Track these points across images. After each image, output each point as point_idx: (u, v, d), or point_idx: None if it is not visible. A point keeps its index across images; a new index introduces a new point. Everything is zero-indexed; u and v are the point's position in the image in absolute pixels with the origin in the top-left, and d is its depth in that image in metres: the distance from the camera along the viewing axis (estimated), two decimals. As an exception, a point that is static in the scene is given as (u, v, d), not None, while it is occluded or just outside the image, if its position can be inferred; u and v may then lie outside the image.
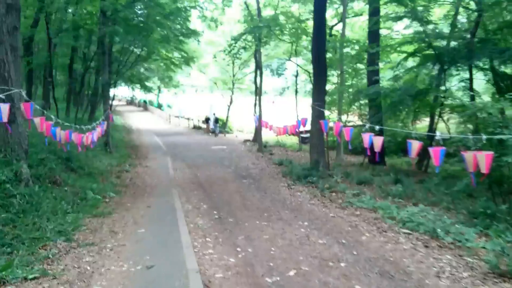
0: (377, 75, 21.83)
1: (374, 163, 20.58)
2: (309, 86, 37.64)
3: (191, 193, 13.96)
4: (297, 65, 27.42)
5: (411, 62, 29.54)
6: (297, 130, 19.29)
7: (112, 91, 33.59)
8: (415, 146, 11.36)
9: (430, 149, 10.39)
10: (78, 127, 16.66)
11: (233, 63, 33.64)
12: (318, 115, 16.39)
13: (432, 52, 17.97)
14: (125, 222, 10.20)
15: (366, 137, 13.07)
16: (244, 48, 22.39)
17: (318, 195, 13.02)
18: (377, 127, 13.68)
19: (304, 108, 31.38)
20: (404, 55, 21.20)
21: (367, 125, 13.49)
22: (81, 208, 11.14)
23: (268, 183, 15.48)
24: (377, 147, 12.82)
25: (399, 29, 25.35)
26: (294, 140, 30.40)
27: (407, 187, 13.58)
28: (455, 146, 13.32)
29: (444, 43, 18.70)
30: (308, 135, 28.23)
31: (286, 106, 56.92)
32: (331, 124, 16.36)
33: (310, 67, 33.34)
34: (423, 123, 28.90)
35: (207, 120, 37.54)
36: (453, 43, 18.19)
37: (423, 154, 21.01)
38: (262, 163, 20.61)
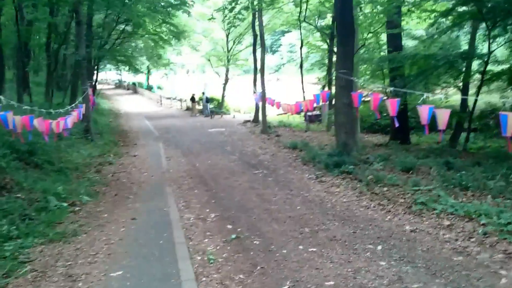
0: (399, 39, 17.96)
1: (402, 142, 16.94)
2: (309, 62, 33.72)
3: (191, 193, 10.10)
4: (315, 27, 22.87)
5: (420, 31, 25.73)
6: (315, 105, 15.34)
7: (97, 74, 29.51)
8: (512, 120, 7.61)
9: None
10: (43, 112, 12.72)
11: (229, 29, 29.51)
12: (344, 86, 12.50)
13: (473, 7, 14.09)
14: (94, 252, 6.32)
15: (425, 111, 9.32)
16: (247, 8, 18.24)
17: (364, 191, 9.17)
18: (441, 96, 9.90)
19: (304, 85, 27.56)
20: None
21: (425, 94, 9.63)
22: (34, 228, 7.32)
23: (288, 174, 11.62)
24: (443, 123, 9.09)
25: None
26: (298, 119, 26.43)
27: (470, 175, 9.85)
28: None
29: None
30: (315, 113, 24.45)
31: (284, 84, 52.93)
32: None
33: (310, 40, 29.52)
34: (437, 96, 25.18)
35: (192, 99, 33.05)
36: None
37: (458, 129, 17.49)
38: (270, 147, 16.72)
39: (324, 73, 31.47)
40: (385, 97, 12.71)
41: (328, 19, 26.00)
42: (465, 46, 19.55)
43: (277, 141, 18.03)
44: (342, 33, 12.70)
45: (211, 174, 12.13)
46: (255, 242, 6.47)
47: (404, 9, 17.11)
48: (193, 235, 6.89)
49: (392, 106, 10.43)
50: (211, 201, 9.17)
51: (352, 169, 10.69)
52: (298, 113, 18.12)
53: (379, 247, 5.96)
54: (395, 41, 17.60)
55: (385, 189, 9.13)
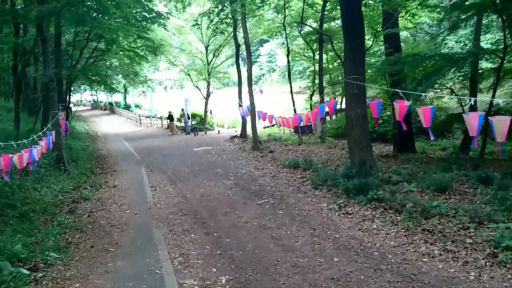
0: (398, 39, 16.00)
1: (409, 152, 14.93)
2: (292, 70, 31.66)
3: (187, 239, 7.76)
4: (314, 28, 20.30)
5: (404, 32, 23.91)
6: (320, 118, 13.14)
7: (69, 96, 26.89)
8: None
9: None
10: (1, 145, 10.34)
11: (210, 39, 27.48)
12: (357, 94, 10.36)
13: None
14: None
15: (474, 120, 7.25)
16: (234, 12, 15.94)
17: (411, 228, 6.94)
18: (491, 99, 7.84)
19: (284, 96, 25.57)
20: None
21: (472, 99, 7.55)
22: (-30, 323, 4.90)
23: (301, 204, 9.35)
24: (502, 134, 7.03)
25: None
26: (286, 131, 24.11)
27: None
28: None
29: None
30: (307, 124, 22.24)
31: (265, 94, 50.78)
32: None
33: (294, 47, 27.46)
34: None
35: (170, 118, 30.74)
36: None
37: (469, 136, 15.55)
38: (267, 166, 14.45)
39: (307, 81, 29.53)
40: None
41: (310, 23, 24.11)
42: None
43: (272, 158, 15.77)
44: (350, 35, 10.55)
45: (207, 208, 9.79)
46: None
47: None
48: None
49: (426, 116, 8.32)
50: (216, 253, 6.85)
51: (383, 195, 8.47)
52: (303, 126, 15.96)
53: None
54: (393, 42, 15.65)
55: (436, 221, 6.94)
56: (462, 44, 15.13)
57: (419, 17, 16.78)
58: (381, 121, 20.42)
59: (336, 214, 8.30)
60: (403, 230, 6.89)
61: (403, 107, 8.94)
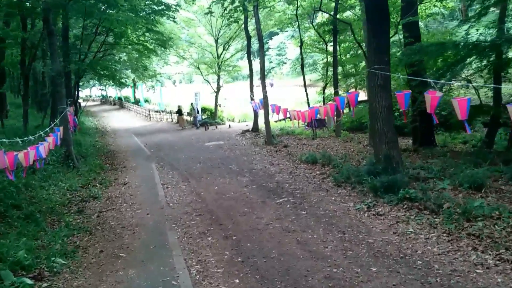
0: (417, 28, 15.15)
1: (430, 146, 14.16)
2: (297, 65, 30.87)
3: (204, 243, 7.06)
4: (330, 15, 19.02)
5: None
6: (340, 111, 12.35)
7: (77, 91, 26.29)
8: None
9: None
10: (6, 143, 9.71)
11: (219, 31, 26.81)
12: (382, 85, 9.60)
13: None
14: None
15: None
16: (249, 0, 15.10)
17: (453, 232, 6.20)
18: None
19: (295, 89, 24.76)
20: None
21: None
22: None
23: (324, 204, 8.62)
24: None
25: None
26: (298, 124, 23.28)
27: None
28: None
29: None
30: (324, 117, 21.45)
31: (275, 88, 49.92)
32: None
33: (305, 39, 26.63)
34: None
35: (179, 112, 30.03)
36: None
37: (494, 127, 14.75)
38: (283, 161, 13.72)
39: (318, 73, 28.69)
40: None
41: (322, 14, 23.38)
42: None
43: (287, 153, 15.05)
44: (374, 17, 9.77)
45: (223, 208, 9.10)
46: None
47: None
48: None
49: (462, 107, 7.54)
50: (237, 260, 6.15)
51: (415, 193, 7.71)
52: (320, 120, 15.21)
53: None
54: (413, 31, 14.78)
55: (480, 224, 6.18)
56: (493, 30, 14.16)
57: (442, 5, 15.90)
58: (397, 113, 19.59)
59: (365, 215, 7.57)
60: (444, 235, 6.15)
61: (435, 99, 8.14)
